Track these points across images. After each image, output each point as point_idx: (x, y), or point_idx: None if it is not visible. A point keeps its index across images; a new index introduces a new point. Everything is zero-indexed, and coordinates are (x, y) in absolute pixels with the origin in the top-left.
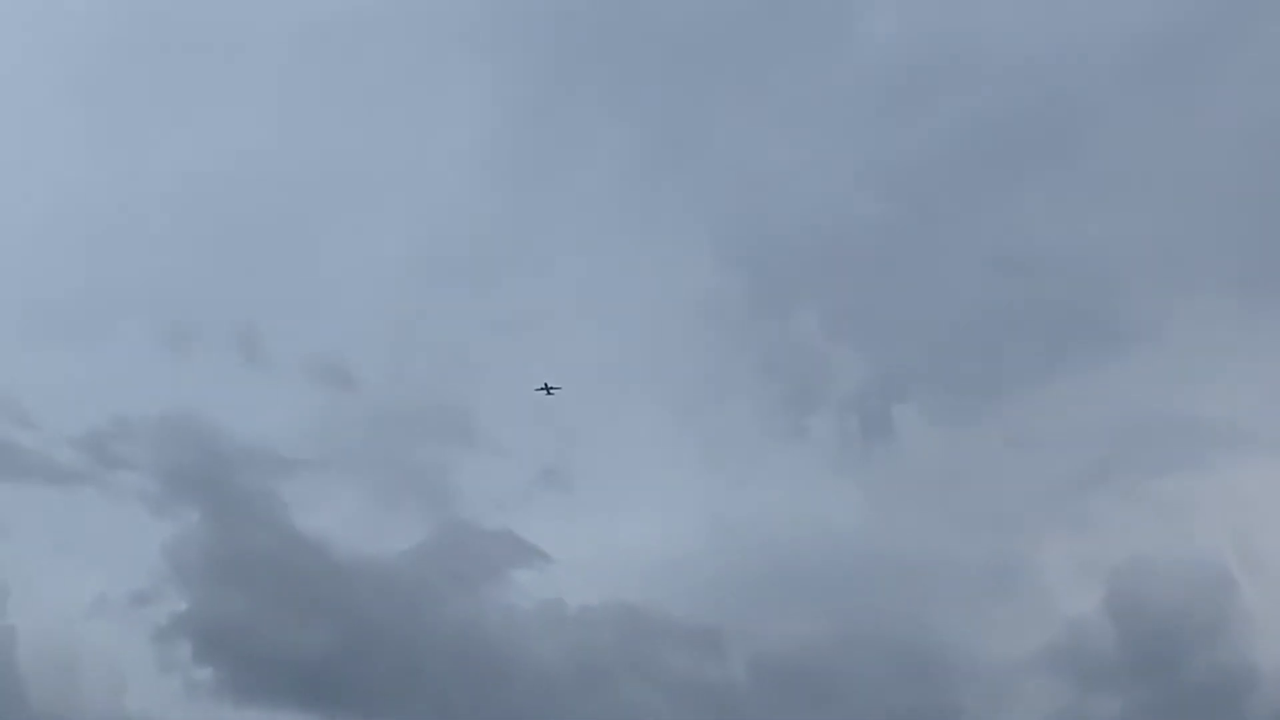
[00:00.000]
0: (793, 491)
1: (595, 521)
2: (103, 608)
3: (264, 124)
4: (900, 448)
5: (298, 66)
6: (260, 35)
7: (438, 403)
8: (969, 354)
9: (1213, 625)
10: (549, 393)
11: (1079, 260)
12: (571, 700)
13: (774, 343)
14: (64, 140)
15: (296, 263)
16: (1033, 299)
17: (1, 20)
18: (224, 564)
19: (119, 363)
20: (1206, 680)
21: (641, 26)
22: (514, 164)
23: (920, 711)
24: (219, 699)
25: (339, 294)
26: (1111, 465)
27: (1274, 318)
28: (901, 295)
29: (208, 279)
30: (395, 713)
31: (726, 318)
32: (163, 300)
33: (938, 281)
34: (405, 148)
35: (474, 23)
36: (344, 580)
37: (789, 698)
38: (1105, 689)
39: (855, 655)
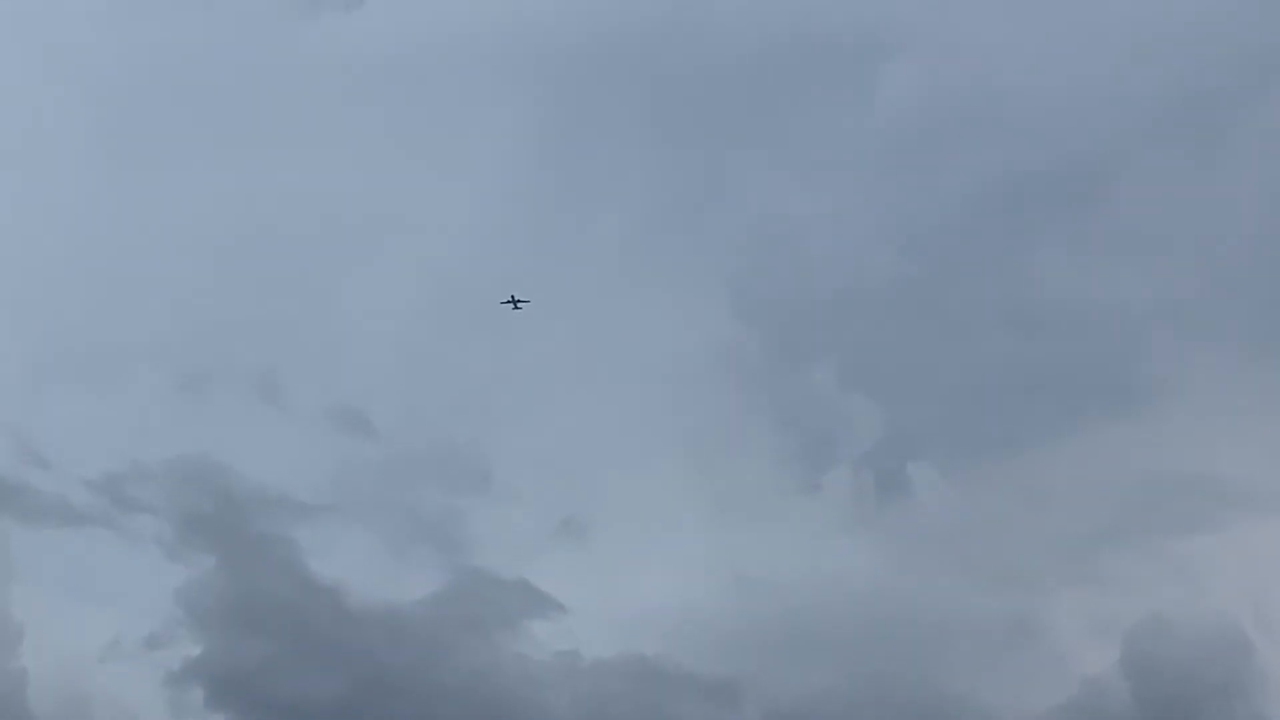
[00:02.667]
0: (808, 546)
1: (611, 573)
2: (116, 651)
3: (281, 170)
4: (916, 503)
5: (315, 113)
6: (278, 83)
7: (455, 451)
8: (986, 410)
9: (1228, 685)
10: (516, 306)
11: (1097, 318)
12: None
13: (790, 397)
14: (83, 184)
15: (315, 308)
16: (1050, 356)
17: (22, 66)
18: (238, 609)
19: (136, 406)
20: None
21: (662, 80)
22: (531, 214)
23: None
24: None
25: (357, 340)
26: (1128, 524)
27: None
28: (919, 351)
29: (225, 324)
30: None
31: (743, 371)
32: (179, 344)
33: (955, 337)
34: (423, 195)
35: (493, 70)
36: (358, 627)
37: None
38: None
39: (870, 710)
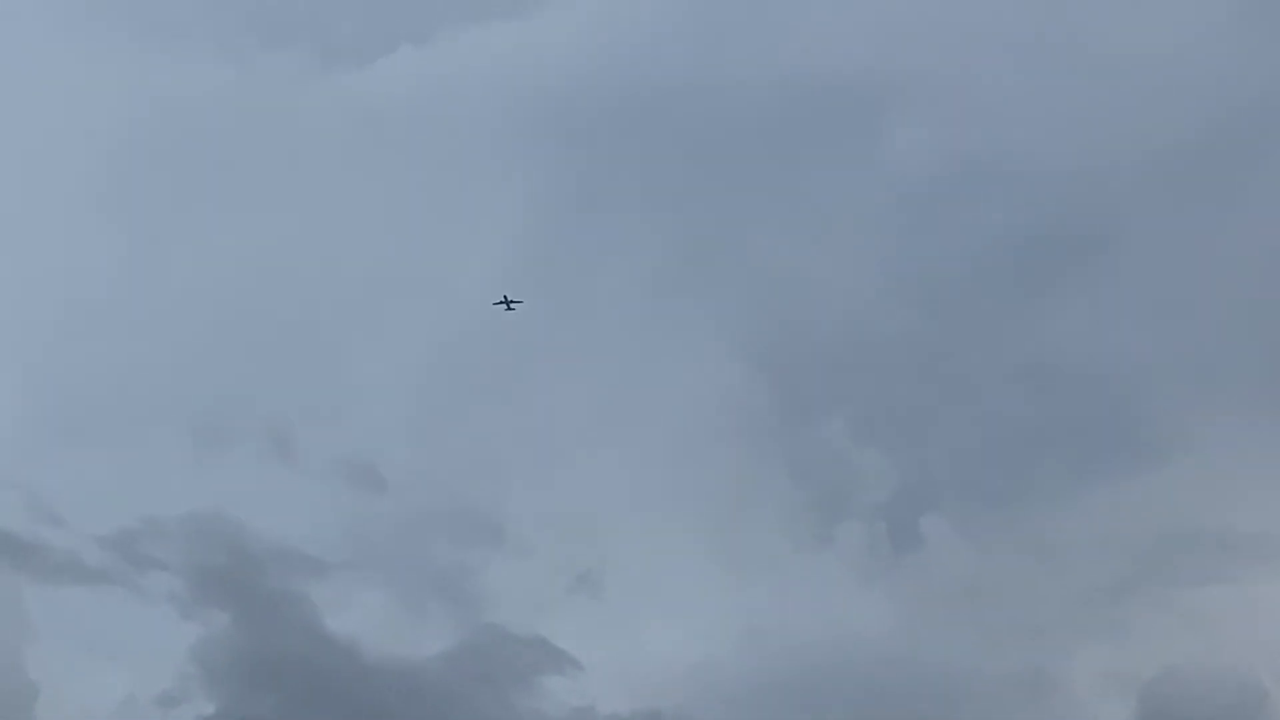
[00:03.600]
0: (821, 600)
1: (625, 628)
2: (130, 709)
3: (294, 225)
4: (929, 557)
5: (327, 170)
6: (290, 140)
7: (469, 506)
8: (998, 464)
9: None
10: (509, 307)
11: (1109, 371)
12: None
13: (802, 450)
14: (93, 240)
15: (327, 363)
16: (1062, 409)
17: (34, 120)
18: (252, 666)
19: (148, 462)
20: None
21: (673, 136)
22: (541, 269)
23: None
24: None
25: (369, 395)
26: (1143, 577)
27: None
28: (930, 404)
29: (238, 379)
30: None
31: (755, 425)
32: (192, 400)
33: (967, 391)
34: (436, 250)
35: (504, 128)
36: (373, 683)
37: None
38: None
39: None
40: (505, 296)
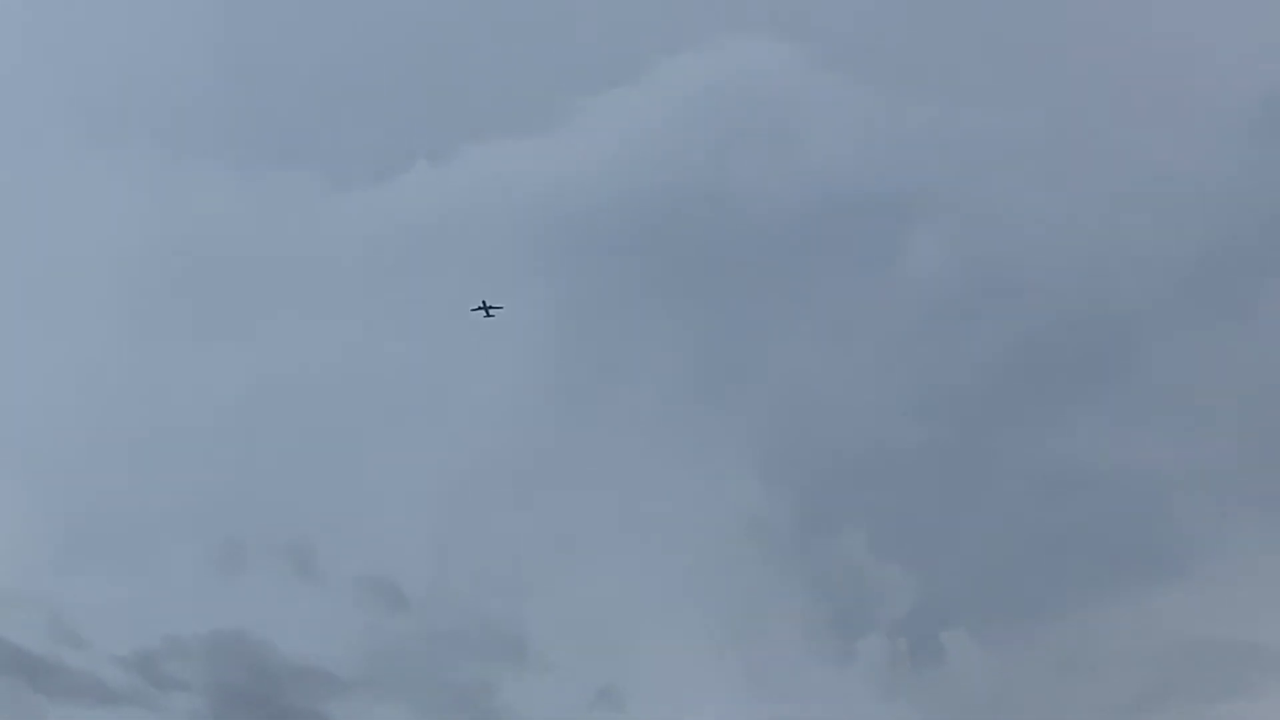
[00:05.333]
0: (843, 714)
1: None
2: None
3: (311, 342)
4: (951, 671)
5: (344, 286)
6: (308, 256)
7: (489, 620)
8: (1019, 576)
9: None
10: (488, 314)
11: (1131, 480)
12: None
13: (822, 564)
14: (111, 357)
15: (346, 480)
16: (1083, 520)
17: (47, 237)
18: None
19: (169, 582)
20: None
21: (690, 248)
22: (562, 382)
23: None
24: None
25: (390, 511)
26: (1167, 689)
27: None
28: (951, 516)
29: (257, 496)
30: None
31: (774, 538)
32: (211, 517)
33: (987, 502)
34: (454, 364)
35: (520, 242)
36: None
37: None
38: None
39: None
40: (484, 302)
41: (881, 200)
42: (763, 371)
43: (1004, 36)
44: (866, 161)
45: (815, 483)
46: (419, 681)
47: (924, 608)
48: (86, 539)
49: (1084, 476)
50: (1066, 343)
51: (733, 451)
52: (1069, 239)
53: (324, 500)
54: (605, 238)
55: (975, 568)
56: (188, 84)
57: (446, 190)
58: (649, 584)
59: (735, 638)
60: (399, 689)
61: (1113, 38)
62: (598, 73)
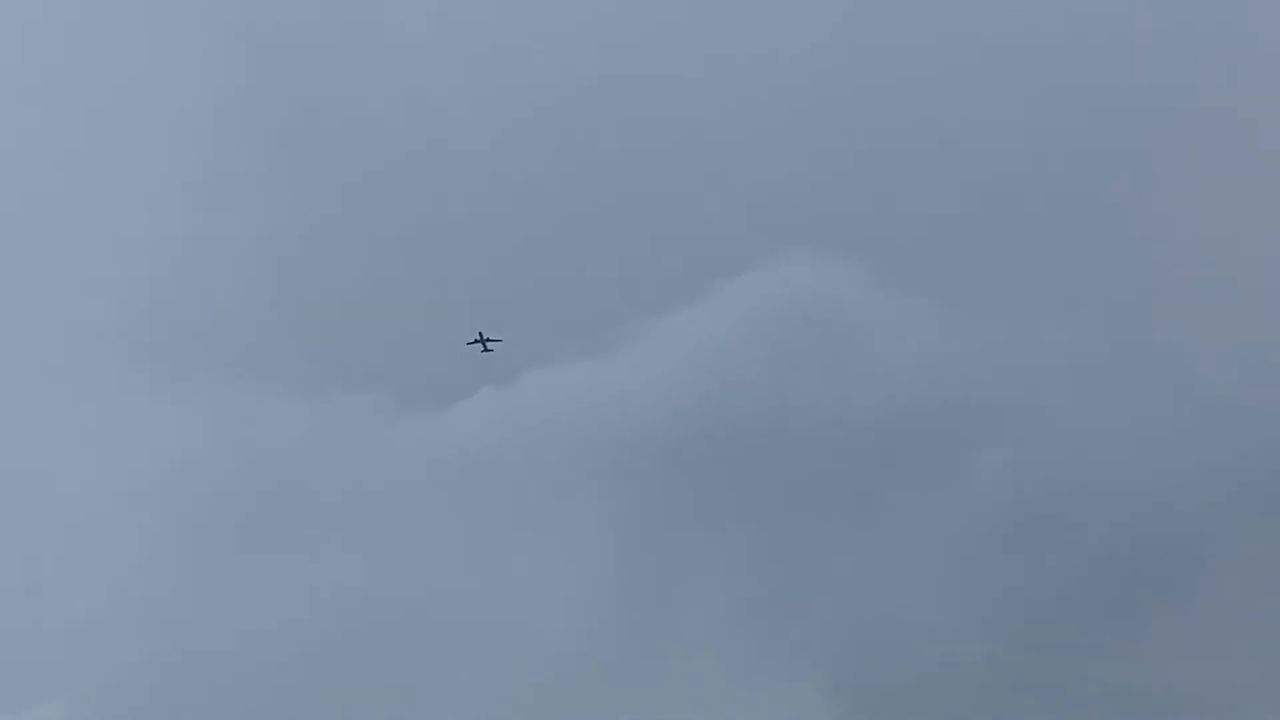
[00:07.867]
0: None
1: None
2: None
3: (372, 565)
4: None
5: (407, 510)
6: (371, 481)
7: None
8: None
9: None
10: (486, 347)
11: (1197, 698)
12: None
13: None
14: (177, 582)
15: (409, 703)
16: None
17: (116, 458)
18: None
19: None
20: None
21: (752, 466)
22: (625, 602)
23: None
24: None
25: None
26: None
27: None
28: None
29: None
30: None
31: None
32: None
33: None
34: (514, 590)
35: (580, 464)
36: None
37: None
38: None
39: None
40: (480, 334)
41: (942, 416)
42: (827, 590)
43: (1062, 249)
44: (926, 378)
45: (881, 702)
46: None
47: None
48: None
49: (1152, 691)
50: (1131, 558)
51: (798, 671)
52: (1131, 453)
53: None
54: (667, 457)
55: None
56: (250, 309)
57: (510, 415)
58: None
59: None
60: None
61: (1171, 246)
62: (658, 294)
